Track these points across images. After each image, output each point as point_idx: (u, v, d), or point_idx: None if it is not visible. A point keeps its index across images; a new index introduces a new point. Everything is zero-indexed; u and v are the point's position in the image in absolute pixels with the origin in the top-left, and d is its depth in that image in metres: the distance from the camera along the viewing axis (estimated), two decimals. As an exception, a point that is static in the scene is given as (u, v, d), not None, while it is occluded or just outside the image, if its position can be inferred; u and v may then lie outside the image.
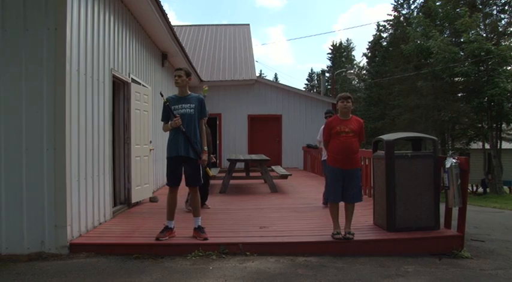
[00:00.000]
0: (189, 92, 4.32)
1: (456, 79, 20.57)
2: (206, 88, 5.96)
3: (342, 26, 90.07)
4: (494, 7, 20.80)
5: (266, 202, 6.67)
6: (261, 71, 68.10)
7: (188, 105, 4.17)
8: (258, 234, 4.38)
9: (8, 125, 3.92)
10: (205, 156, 4.24)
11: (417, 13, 25.68)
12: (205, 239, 4.07)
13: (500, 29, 20.19)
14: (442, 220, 4.46)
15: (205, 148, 4.26)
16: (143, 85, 6.93)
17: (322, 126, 5.32)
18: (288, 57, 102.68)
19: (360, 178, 4.46)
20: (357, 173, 4.30)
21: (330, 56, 48.59)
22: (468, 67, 18.43)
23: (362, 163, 7.42)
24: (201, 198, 5.57)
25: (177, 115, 4.10)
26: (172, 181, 4.22)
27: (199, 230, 4.18)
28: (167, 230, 4.17)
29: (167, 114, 4.20)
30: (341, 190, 4.22)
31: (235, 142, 13.93)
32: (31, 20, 3.93)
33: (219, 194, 7.60)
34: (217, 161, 14.04)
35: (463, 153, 19.64)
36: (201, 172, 4.29)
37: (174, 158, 4.17)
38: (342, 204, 4.34)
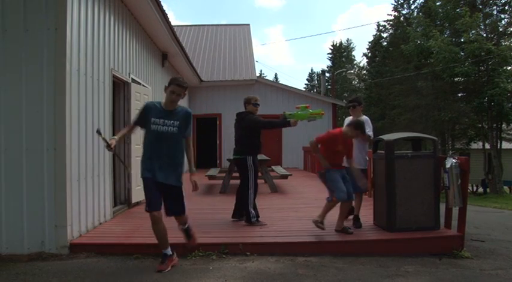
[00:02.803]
0: (178, 105, 3.61)
1: (456, 79, 20.54)
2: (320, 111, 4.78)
3: (341, 26, 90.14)
4: (495, 7, 20.78)
5: (266, 202, 6.67)
6: (261, 71, 68.07)
7: (172, 122, 3.49)
8: (258, 234, 4.39)
9: (8, 125, 3.92)
10: (194, 177, 3.64)
11: (417, 13, 25.69)
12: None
13: (501, 29, 20.19)
14: (442, 220, 4.46)
15: (194, 169, 3.71)
16: (143, 85, 6.94)
17: (348, 118, 5.00)
18: (288, 57, 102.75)
19: None
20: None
21: (330, 56, 48.57)
22: (468, 67, 18.42)
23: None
24: (240, 212, 5.03)
25: (110, 141, 3.40)
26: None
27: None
28: (167, 257, 3.54)
29: (141, 120, 3.57)
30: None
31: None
32: (31, 20, 3.93)
33: (219, 194, 7.60)
34: (218, 161, 14.06)
35: (463, 153, 19.63)
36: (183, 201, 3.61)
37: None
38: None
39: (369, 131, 4.70)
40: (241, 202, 4.96)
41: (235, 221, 5.04)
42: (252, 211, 4.85)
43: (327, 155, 4.34)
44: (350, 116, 5.01)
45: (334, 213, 4.90)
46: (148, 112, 3.52)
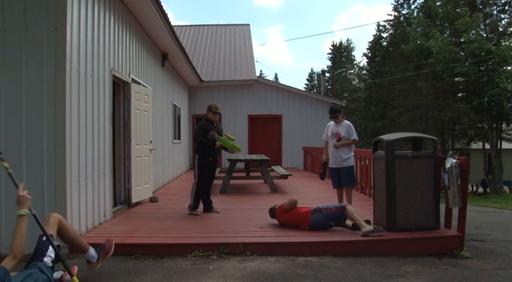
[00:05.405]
0: None
1: (456, 79, 20.54)
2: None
3: (340, 26, 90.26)
4: (495, 7, 20.80)
5: (266, 202, 6.66)
6: (261, 71, 68.15)
7: None
8: (258, 234, 4.39)
9: (8, 125, 3.92)
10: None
11: (417, 13, 25.71)
12: None
13: (500, 29, 20.19)
14: (442, 220, 4.46)
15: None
16: (143, 85, 6.93)
17: (330, 123, 5.71)
18: (288, 57, 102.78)
19: None
20: None
21: (330, 56, 48.57)
22: (468, 67, 18.42)
23: (362, 163, 7.43)
24: (207, 205, 5.63)
25: None
26: None
27: None
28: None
29: None
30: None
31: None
32: (31, 20, 3.93)
33: (219, 194, 7.60)
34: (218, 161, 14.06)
35: (463, 153, 19.63)
36: None
37: None
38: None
39: (353, 135, 5.42)
40: (206, 195, 5.64)
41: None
42: (192, 202, 5.44)
43: None
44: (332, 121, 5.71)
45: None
46: None
